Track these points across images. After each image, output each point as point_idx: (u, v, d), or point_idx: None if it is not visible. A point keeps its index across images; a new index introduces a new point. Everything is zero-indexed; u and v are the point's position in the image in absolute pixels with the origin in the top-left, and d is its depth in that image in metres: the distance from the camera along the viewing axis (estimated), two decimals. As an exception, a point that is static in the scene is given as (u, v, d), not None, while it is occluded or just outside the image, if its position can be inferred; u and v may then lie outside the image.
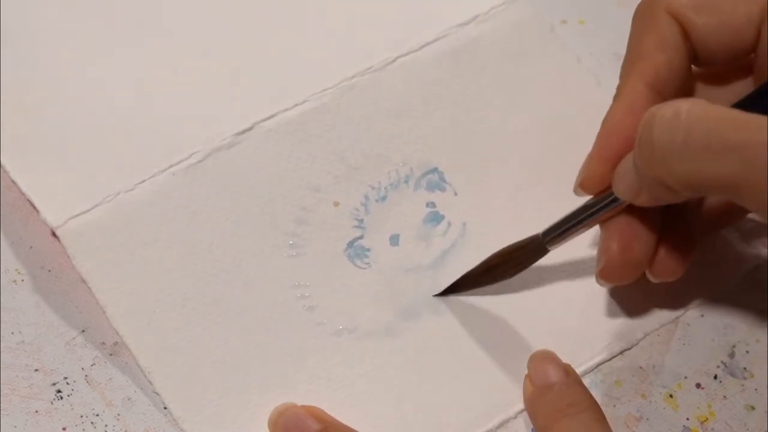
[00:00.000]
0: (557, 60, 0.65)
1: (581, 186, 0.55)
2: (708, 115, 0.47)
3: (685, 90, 0.55)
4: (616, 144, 0.53)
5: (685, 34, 0.54)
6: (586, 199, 0.55)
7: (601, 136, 0.54)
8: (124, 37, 0.63)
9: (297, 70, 0.62)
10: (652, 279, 0.56)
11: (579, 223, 0.55)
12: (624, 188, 0.53)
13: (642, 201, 0.52)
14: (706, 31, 0.53)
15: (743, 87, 0.55)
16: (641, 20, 0.55)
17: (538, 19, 0.65)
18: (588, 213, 0.55)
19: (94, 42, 0.63)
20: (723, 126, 0.46)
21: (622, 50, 0.56)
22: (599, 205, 0.54)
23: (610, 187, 0.54)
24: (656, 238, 0.55)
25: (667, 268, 0.55)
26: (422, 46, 0.64)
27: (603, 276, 0.55)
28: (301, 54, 0.63)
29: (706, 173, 0.47)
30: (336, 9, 0.65)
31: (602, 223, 0.55)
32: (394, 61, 0.63)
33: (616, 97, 0.55)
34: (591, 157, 0.54)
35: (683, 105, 0.47)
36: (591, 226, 0.55)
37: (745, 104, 0.50)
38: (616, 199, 0.54)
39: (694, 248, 0.56)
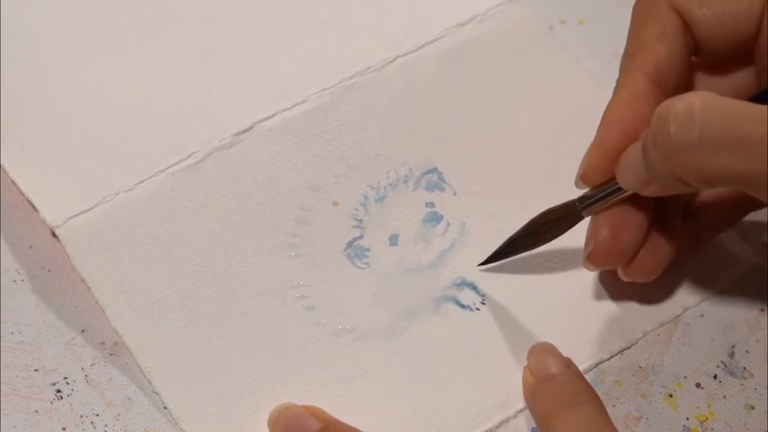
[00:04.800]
0: (556, 60, 0.65)
1: (582, 178, 0.55)
2: (722, 109, 0.46)
3: (686, 81, 0.55)
4: (619, 136, 0.53)
5: (686, 26, 0.54)
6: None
7: (602, 129, 0.54)
8: (124, 37, 0.63)
9: (297, 70, 0.63)
10: (624, 278, 0.56)
11: (611, 194, 0.54)
12: (631, 180, 0.52)
13: (650, 192, 0.52)
14: (708, 23, 0.54)
15: (744, 76, 0.56)
16: (641, 13, 0.55)
17: (536, 20, 0.65)
18: (611, 190, 0.54)
19: (94, 42, 0.63)
20: (738, 120, 0.46)
21: (622, 50, 0.56)
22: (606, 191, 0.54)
23: (612, 178, 0.54)
24: (646, 229, 0.55)
25: (642, 268, 0.55)
26: (421, 47, 0.64)
27: (591, 260, 0.55)
28: (301, 54, 0.63)
29: (723, 168, 0.46)
30: (335, 9, 0.65)
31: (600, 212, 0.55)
32: (393, 61, 0.63)
33: (616, 90, 0.55)
34: (592, 150, 0.54)
35: (695, 99, 0.47)
36: (615, 203, 0.55)
37: (755, 100, 0.50)
38: (620, 189, 0.54)
39: (672, 254, 0.56)
